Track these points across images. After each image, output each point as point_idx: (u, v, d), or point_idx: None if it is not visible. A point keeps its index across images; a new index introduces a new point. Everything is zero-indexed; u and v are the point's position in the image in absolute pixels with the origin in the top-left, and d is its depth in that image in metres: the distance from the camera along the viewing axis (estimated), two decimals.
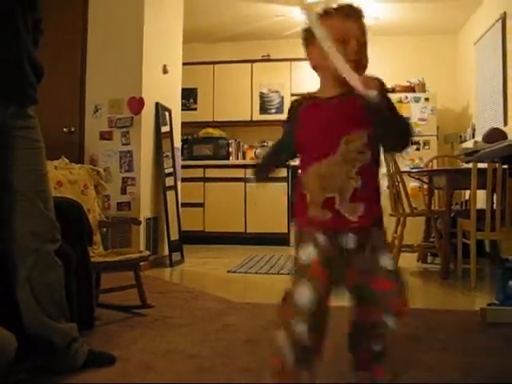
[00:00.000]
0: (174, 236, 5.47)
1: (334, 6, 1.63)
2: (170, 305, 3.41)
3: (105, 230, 3.86)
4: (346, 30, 1.58)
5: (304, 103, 1.66)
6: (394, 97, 7.03)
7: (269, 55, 7.80)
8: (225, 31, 7.59)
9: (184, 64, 6.26)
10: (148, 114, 5.11)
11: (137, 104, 4.93)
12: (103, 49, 4.99)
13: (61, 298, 2.06)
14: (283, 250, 6.42)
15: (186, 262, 5.51)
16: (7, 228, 1.95)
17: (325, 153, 1.51)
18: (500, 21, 5.70)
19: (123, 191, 4.92)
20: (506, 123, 5.48)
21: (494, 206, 4.00)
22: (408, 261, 5.16)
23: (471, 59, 6.85)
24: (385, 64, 7.55)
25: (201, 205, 7.17)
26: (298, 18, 6.74)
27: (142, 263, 3.56)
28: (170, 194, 5.49)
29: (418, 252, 5.40)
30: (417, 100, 6.99)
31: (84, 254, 2.66)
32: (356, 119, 1.50)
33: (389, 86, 7.04)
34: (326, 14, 1.63)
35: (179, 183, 5.95)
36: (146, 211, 5.02)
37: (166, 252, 5.31)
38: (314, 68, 1.66)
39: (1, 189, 1.94)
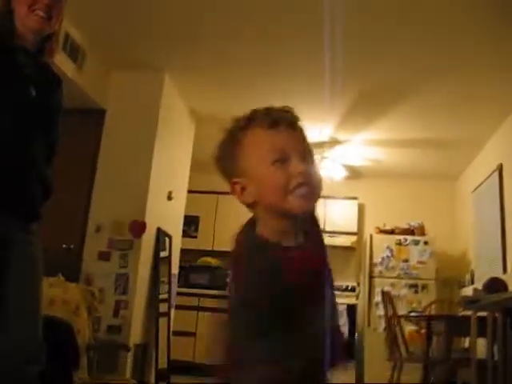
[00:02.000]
0: (163, 364, 5.27)
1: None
2: None
3: (92, 353, 3.73)
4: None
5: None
6: (393, 239, 7.10)
7: None
8: None
9: (189, 192, 6.39)
10: (148, 239, 5.12)
11: (138, 228, 4.96)
12: (112, 170, 5.12)
13: None
14: None
15: None
16: None
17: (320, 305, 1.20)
18: (497, 171, 5.89)
19: (115, 314, 4.80)
20: (505, 270, 5.47)
21: (495, 356, 3.88)
22: None
23: (469, 206, 6.98)
24: (385, 205, 7.73)
25: (192, 334, 6.98)
26: None
27: None
28: (163, 321, 5.36)
29: None
30: (416, 243, 7.04)
31: (67, 378, 2.55)
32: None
33: (388, 227, 7.16)
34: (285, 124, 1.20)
35: (173, 310, 5.84)
36: (136, 337, 4.88)
37: (153, 381, 5.09)
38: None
39: None
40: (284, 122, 1.17)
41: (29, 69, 2.00)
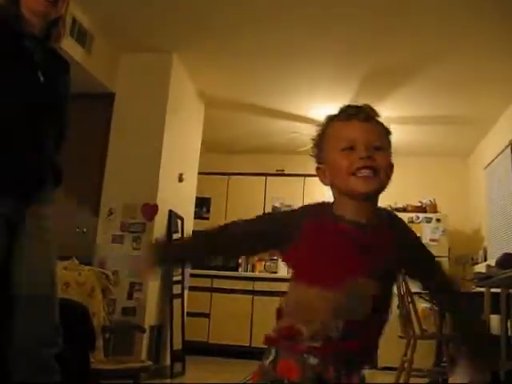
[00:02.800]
0: (177, 346, 5.32)
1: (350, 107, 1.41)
2: None
3: (108, 335, 3.77)
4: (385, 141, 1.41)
5: (316, 217, 1.34)
6: (405, 216, 7.08)
7: (283, 170, 7.96)
8: (241, 144, 7.82)
9: (199, 173, 6.40)
10: (161, 221, 5.15)
11: (150, 210, 4.99)
12: (123, 154, 5.13)
13: None
14: None
15: (187, 375, 5.32)
16: (6, 327, 1.90)
17: (334, 284, 1.27)
18: (509, 147, 5.84)
19: (129, 296, 4.85)
20: None
21: (509, 332, 3.89)
22: None
23: (481, 183, 6.95)
24: (396, 183, 7.66)
25: (206, 315, 7.03)
26: (312, 135, 6.95)
27: (142, 373, 3.44)
28: (177, 303, 5.41)
29: (428, 377, 5.18)
30: (428, 221, 7.02)
31: (84, 359, 2.59)
32: (387, 263, 1.32)
33: (400, 205, 7.13)
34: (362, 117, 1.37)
35: (186, 292, 5.88)
36: (150, 318, 4.93)
37: (168, 362, 5.15)
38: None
39: (7, 286, 1.92)
40: (357, 116, 1.34)
41: (37, 54, 2.01)
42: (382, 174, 1.33)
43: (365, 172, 1.29)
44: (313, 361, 1.25)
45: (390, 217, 1.46)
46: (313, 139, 1.43)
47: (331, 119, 1.40)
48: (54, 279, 2.02)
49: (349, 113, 1.36)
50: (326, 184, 1.37)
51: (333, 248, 1.30)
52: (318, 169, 1.39)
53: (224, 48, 5.16)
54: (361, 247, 1.29)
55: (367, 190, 1.30)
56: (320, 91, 5.91)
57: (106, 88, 5.21)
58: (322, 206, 1.37)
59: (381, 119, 1.43)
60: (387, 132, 1.43)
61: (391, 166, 1.39)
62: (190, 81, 5.83)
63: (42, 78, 1.99)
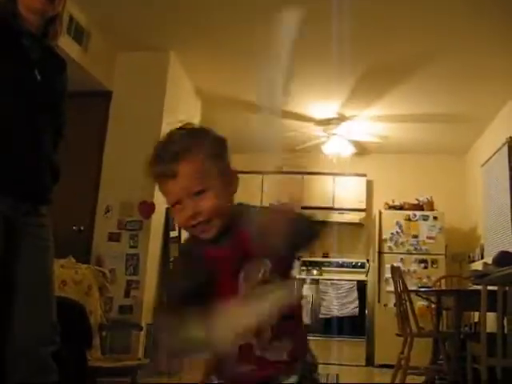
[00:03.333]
0: None
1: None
2: None
3: (104, 333, 3.77)
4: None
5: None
6: (402, 214, 7.10)
7: (281, 168, 7.94)
8: (238, 142, 7.79)
9: None
10: (158, 219, 5.15)
11: (148, 208, 4.98)
12: (120, 152, 5.12)
13: None
14: None
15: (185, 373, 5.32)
16: (4, 326, 1.90)
17: (230, 295, 1.23)
18: (506, 145, 5.85)
19: (127, 294, 4.85)
20: None
21: (505, 330, 3.89)
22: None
23: (478, 181, 6.96)
24: (393, 181, 7.71)
25: None
26: (310, 133, 6.96)
27: (139, 371, 3.44)
28: None
29: (425, 375, 5.19)
30: (425, 218, 7.03)
31: (81, 357, 2.59)
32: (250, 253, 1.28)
33: (397, 203, 7.14)
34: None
35: None
36: (147, 316, 4.92)
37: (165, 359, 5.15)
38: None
39: (4, 285, 1.92)
40: (166, 174, 1.29)
41: (34, 53, 2.00)
42: (214, 213, 1.29)
43: (198, 228, 1.28)
44: None
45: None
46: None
47: (148, 171, 1.37)
48: (51, 278, 2.02)
49: (157, 173, 1.33)
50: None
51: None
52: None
53: (221, 46, 5.16)
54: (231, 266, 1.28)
55: (208, 237, 1.29)
56: (317, 88, 5.90)
57: (103, 86, 5.20)
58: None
59: (199, 141, 1.36)
60: (209, 155, 1.34)
61: (228, 177, 1.40)
62: (187, 79, 5.82)
63: (38, 77, 1.98)
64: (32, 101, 1.97)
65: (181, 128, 1.43)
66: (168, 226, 5.33)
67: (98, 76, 5.06)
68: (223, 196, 1.33)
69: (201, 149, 1.31)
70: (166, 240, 5.33)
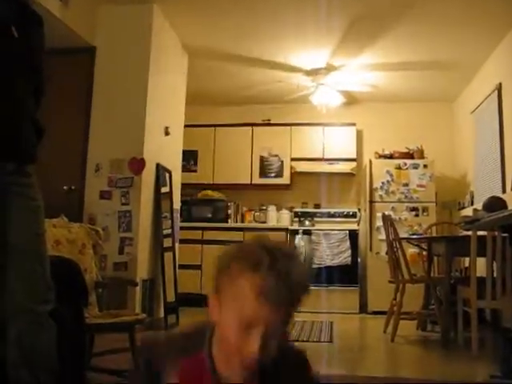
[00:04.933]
0: (171, 298, 5.39)
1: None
2: None
3: (100, 290, 3.80)
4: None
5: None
6: (392, 163, 7.11)
7: (269, 120, 7.92)
8: (227, 95, 7.74)
9: (185, 126, 6.35)
10: (148, 175, 5.13)
11: (138, 165, 4.96)
12: (107, 109, 5.07)
13: (51, 361, 2.00)
14: None
15: (182, 326, 5.41)
16: (0, 288, 1.91)
17: None
18: (496, 91, 5.83)
19: (120, 251, 4.88)
20: (504, 191, 5.51)
21: (495, 274, 3.96)
22: (407, 328, 5.06)
23: (468, 127, 6.96)
24: (383, 130, 7.70)
25: (198, 267, 7.10)
26: (298, 83, 6.89)
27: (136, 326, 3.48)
28: (168, 256, 5.45)
29: (417, 319, 5.31)
30: (415, 167, 7.05)
31: (78, 315, 2.61)
32: None
33: (387, 152, 7.16)
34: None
35: (177, 245, 5.92)
36: (142, 272, 4.97)
37: (162, 314, 5.23)
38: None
39: None
40: (277, 292, 1.04)
41: (9, 9, 1.94)
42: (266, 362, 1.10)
43: (248, 364, 1.09)
44: None
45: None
46: (220, 261, 1.13)
47: (243, 266, 1.07)
48: (42, 237, 2.02)
49: (268, 282, 1.04)
50: (212, 318, 1.14)
51: None
52: (213, 297, 1.14)
53: None
54: None
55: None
56: (304, 39, 5.81)
57: (86, 42, 5.09)
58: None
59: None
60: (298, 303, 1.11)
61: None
62: (173, 32, 5.71)
63: (15, 33, 1.93)
64: (10, 58, 1.92)
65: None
66: (159, 182, 5.32)
67: (79, 31, 4.94)
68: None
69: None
70: (158, 196, 5.33)
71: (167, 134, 5.61)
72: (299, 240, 7.06)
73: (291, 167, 7.63)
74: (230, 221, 7.74)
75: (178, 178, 6.04)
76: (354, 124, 7.68)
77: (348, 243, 6.99)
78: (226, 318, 1.09)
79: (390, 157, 7.24)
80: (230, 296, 1.08)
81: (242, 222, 7.77)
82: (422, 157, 7.19)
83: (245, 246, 1.13)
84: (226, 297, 1.09)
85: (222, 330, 1.11)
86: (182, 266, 6.14)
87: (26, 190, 1.98)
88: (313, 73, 6.69)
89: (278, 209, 7.74)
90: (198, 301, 6.86)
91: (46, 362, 1.97)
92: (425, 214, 6.93)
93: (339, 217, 7.58)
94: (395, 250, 4.88)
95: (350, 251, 6.96)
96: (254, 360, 1.07)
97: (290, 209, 7.75)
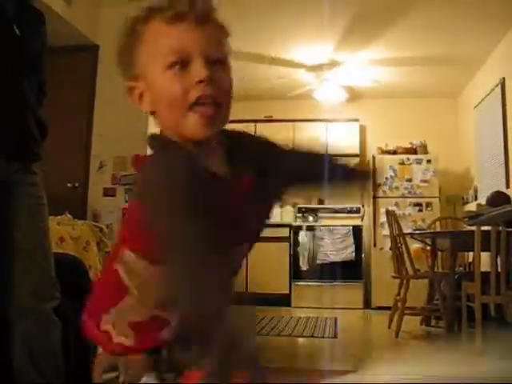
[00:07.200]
0: None
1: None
2: None
3: None
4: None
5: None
6: (395, 158, 7.10)
7: (271, 116, 7.91)
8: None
9: None
10: None
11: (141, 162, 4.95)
12: (110, 106, 5.06)
13: (57, 359, 2.01)
14: (284, 311, 6.33)
15: None
16: (5, 285, 1.92)
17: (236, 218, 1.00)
18: (499, 86, 5.82)
19: None
20: (508, 186, 5.50)
21: (499, 268, 3.96)
22: (411, 324, 5.06)
23: (471, 122, 6.94)
24: (386, 125, 7.68)
25: None
26: (301, 79, 6.88)
27: None
28: None
29: (421, 315, 5.31)
30: (419, 162, 7.04)
31: (83, 312, 2.62)
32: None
33: (390, 147, 7.14)
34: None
35: None
36: None
37: None
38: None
39: (1, 245, 1.93)
40: (191, 15, 0.93)
41: (11, 7, 1.94)
42: (225, 105, 0.97)
43: (206, 107, 0.93)
44: None
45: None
46: (120, 40, 1.06)
47: (149, 15, 0.98)
48: (47, 235, 2.03)
49: (178, 9, 0.94)
50: (143, 110, 1.02)
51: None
52: (131, 89, 1.05)
53: None
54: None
55: (205, 135, 0.96)
56: (306, 34, 5.80)
57: (89, 40, 5.09)
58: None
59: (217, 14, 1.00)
60: (227, 34, 1.03)
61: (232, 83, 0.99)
62: None
63: (17, 32, 1.94)
64: (13, 57, 1.93)
65: None
66: None
67: (83, 30, 4.94)
68: (231, 99, 1.00)
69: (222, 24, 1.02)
70: None
71: None
72: (303, 236, 7.06)
73: None
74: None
75: None
76: (357, 120, 7.66)
77: (352, 239, 7.00)
78: (157, 79, 0.95)
79: (394, 152, 7.23)
80: (150, 55, 0.96)
81: None
82: (425, 152, 7.19)
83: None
84: (147, 59, 0.97)
85: (160, 94, 0.96)
86: None
87: (32, 188, 1.99)
88: (315, 68, 6.68)
89: (282, 205, 7.73)
90: None
91: (52, 359, 1.98)
92: (428, 209, 6.92)
93: (343, 212, 7.58)
94: (399, 245, 4.88)
95: (353, 247, 6.96)
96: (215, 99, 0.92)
97: (294, 204, 7.74)
